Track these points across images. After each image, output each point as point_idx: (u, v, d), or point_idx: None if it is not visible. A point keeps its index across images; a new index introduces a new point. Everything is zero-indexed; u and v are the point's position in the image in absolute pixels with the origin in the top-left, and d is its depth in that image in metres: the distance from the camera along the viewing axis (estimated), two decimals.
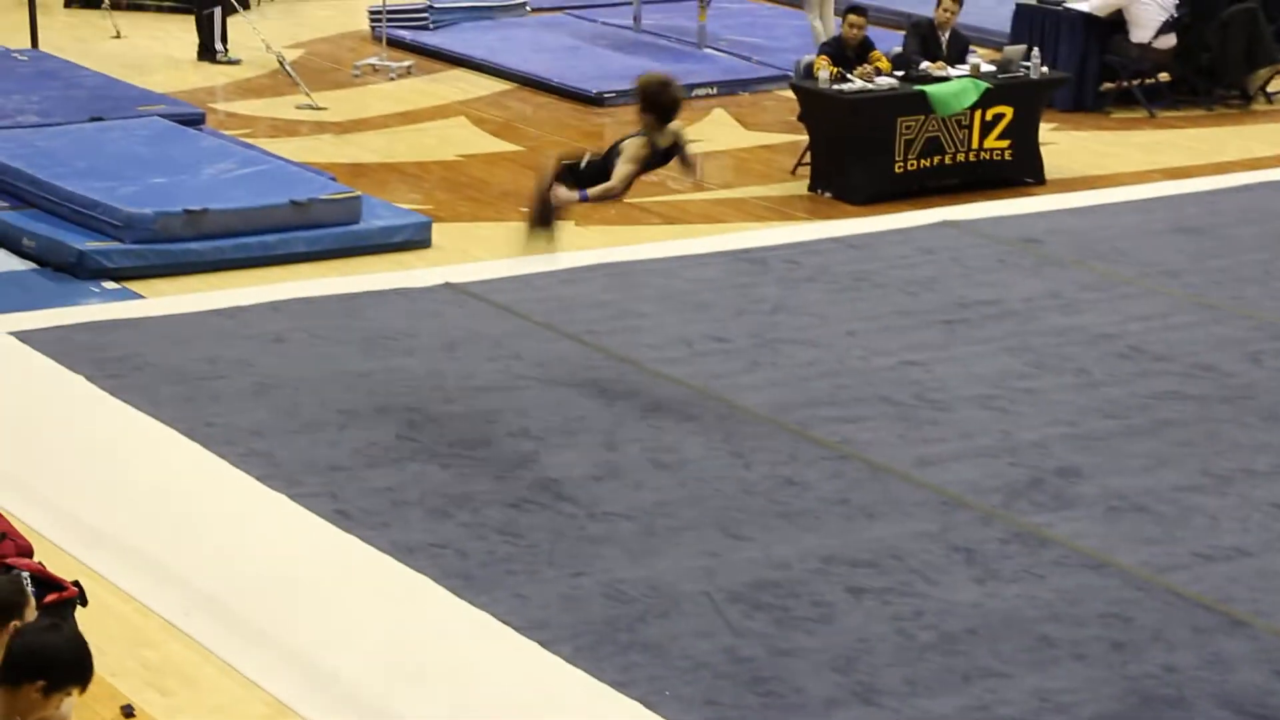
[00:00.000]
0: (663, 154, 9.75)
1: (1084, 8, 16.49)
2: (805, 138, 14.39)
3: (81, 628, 6.01)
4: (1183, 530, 8.71)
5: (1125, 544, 8.55)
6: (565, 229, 12.96)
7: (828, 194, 13.93)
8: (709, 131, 15.66)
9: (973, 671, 7.50)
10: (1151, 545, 8.55)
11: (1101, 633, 7.80)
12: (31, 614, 5.60)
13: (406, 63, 17.34)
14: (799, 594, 8.04)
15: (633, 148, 9.66)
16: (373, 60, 17.32)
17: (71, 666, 5.23)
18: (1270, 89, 16.97)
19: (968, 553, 8.44)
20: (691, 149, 9.87)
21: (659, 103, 9.62)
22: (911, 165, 13.98)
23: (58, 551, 8.24)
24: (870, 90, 13.85)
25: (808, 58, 14.48)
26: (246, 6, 18.48)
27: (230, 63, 17.31)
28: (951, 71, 14.20)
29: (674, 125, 9.71)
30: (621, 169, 9.64)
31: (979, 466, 9.31)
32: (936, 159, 14.06)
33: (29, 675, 5.16)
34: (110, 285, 11.66)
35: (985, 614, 7.93)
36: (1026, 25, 16.62)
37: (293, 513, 8.70)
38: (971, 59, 14.40)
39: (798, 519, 8.74)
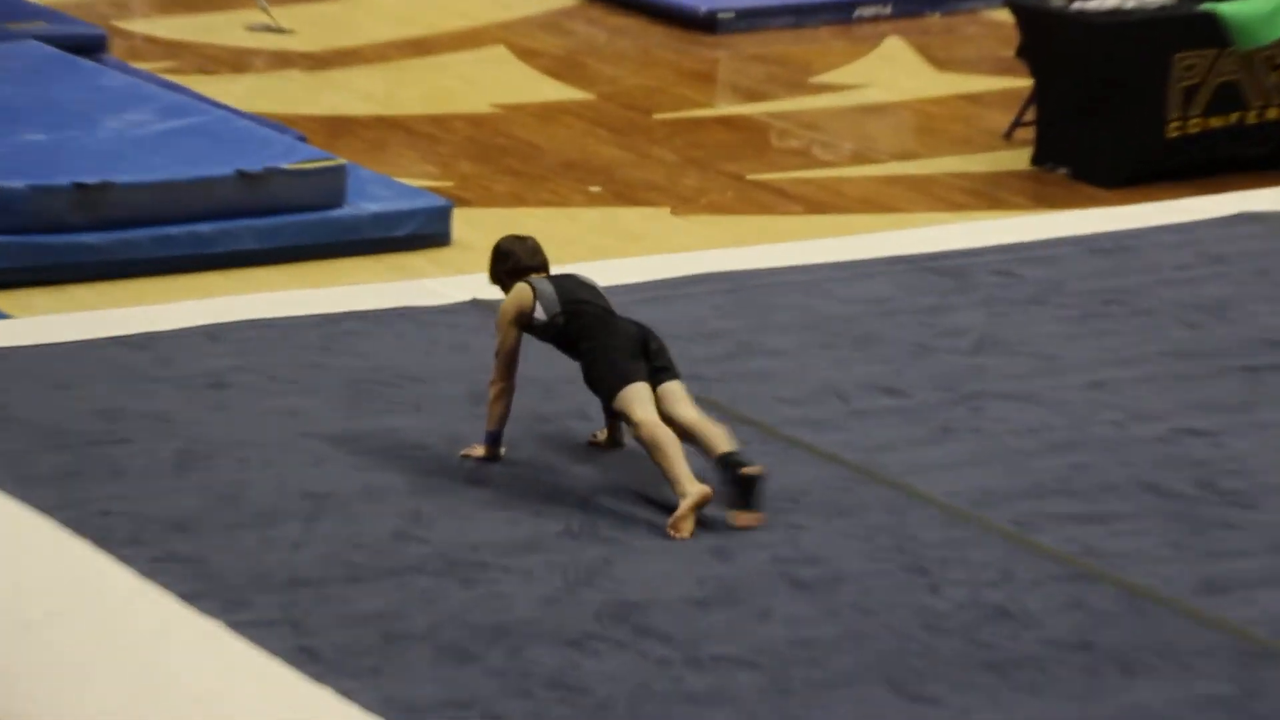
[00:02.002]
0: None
1: None
2: (1028, 83, 14.50)
3: None
4: None
5: None
6: (661, 228, 13.00)
7: (1062, 170, 14.07)
8: (879, 73, 15.67)
9: None
10: None
11: None
12: None
13: None
14: None
15: None
16: None
17: None
18: None
19: None
20: None
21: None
22: (1194, 127, 14.04)
23: None
24: (1131, 10, 13.84)
25: None
26: None
27: None
28: None
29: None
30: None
31: None
32: (1234, 117, 14.13)
33: None
34: None
35: None
36: None
37: (232, 651, 8.69)
38: None
39: (1013, 673, 8.69)
